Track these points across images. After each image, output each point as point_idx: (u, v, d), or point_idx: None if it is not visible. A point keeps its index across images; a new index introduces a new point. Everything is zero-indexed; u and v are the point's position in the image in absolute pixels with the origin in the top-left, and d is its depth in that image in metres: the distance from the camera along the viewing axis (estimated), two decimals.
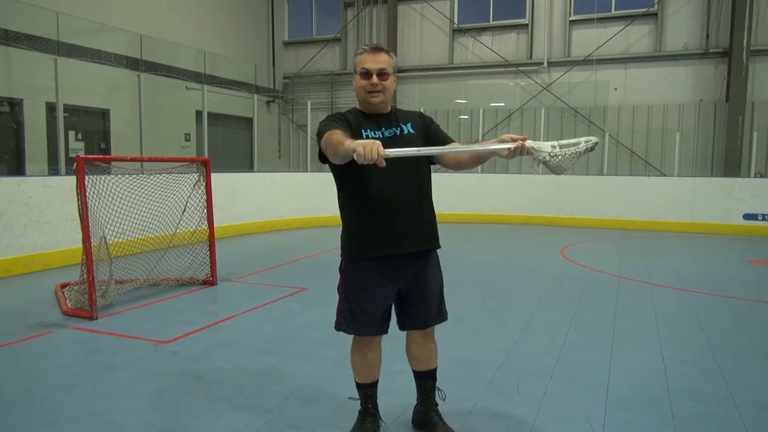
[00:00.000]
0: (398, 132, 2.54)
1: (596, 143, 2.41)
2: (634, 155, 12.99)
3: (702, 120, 12.53)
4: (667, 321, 4.76)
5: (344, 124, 2.45)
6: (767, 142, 11.89)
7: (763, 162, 11.90)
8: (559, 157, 2.35)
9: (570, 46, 13.70)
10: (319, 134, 2.41)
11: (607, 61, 13.26)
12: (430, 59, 14.91)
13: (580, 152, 2.38)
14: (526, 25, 14.00)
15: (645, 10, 12.94)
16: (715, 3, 12.42)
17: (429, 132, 2.62)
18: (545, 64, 13.73)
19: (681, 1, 12.71)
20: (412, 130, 2.56)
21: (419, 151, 2.28)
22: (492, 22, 14.43)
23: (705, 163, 12.58)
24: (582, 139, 2.41)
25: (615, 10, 13.34)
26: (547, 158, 2.35)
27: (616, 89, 13.26)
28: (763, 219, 10.43)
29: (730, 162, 12.01)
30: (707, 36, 12.51)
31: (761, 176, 11.48)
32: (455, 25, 14.67)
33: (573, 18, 13.64)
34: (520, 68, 13.94)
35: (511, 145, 2.28)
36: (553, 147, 2.36)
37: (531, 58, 13.95)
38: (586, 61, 13.36)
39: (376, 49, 2.49)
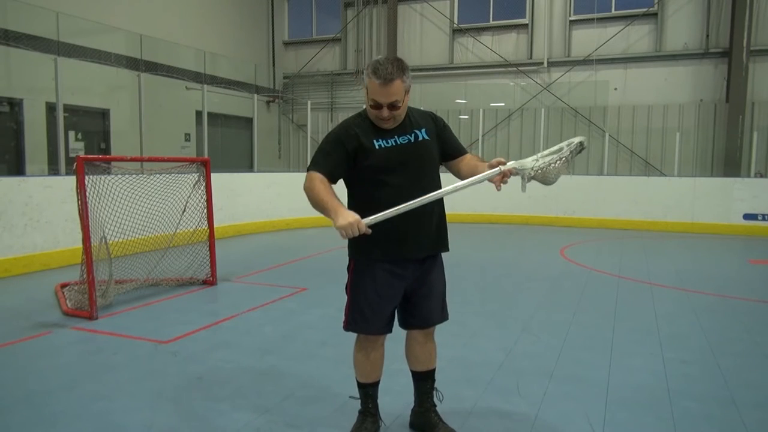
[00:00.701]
0: (412, 139, 2.48)
1: (581, 143, 2.30)
2: (634, 155, 12.98)
3: (702, 120, 12.52)
4: (667, 321, 4.76)
5: (340, 158, 2.40)
6: (767, 142, 11.89)
7: (763, 162, 11.89)
8: (543, 168, 2.29)
9: (570, 46, 13.69)
10: (313, 161, 2.41)
11: (607, 61, 13.26)
12: (430, 59, 14.90)
13: (565, 157, 2.28)
14: (526, 25, 14.00)
15: (645, 10, 12.94)
16: (715, 3, 12.42)
17: (442, 140, 2.58)
18: (545, 64, 13.73)
19: (681, 1, 12.70)
20: (426, 136, 2.51)
21: (397, 210, 2.25)
22: (492, 22, 14.42)
23: (705, 163, 12.57)
24: (563, 144, 2.30)
25: (615, 10, 13.33)
26: (532, 173, 2.29)
27: (616, 89, 13.26)
28: (763, 219, 10.43)
29: (730, 162, 12.01)
30: (707, 36, 12.51)
31: (761, 176, 11.48)
32: (455, 25, 14.66)
33: (573, 18, 13.64)
34: (520, 68, 13.94)
35: (501, 169, 2.28)
36: (535, 160, 2.28)
37: (531, 58, 13.95)
38: (586, 61, 13.36)
39: (388, 80, 2.30)
